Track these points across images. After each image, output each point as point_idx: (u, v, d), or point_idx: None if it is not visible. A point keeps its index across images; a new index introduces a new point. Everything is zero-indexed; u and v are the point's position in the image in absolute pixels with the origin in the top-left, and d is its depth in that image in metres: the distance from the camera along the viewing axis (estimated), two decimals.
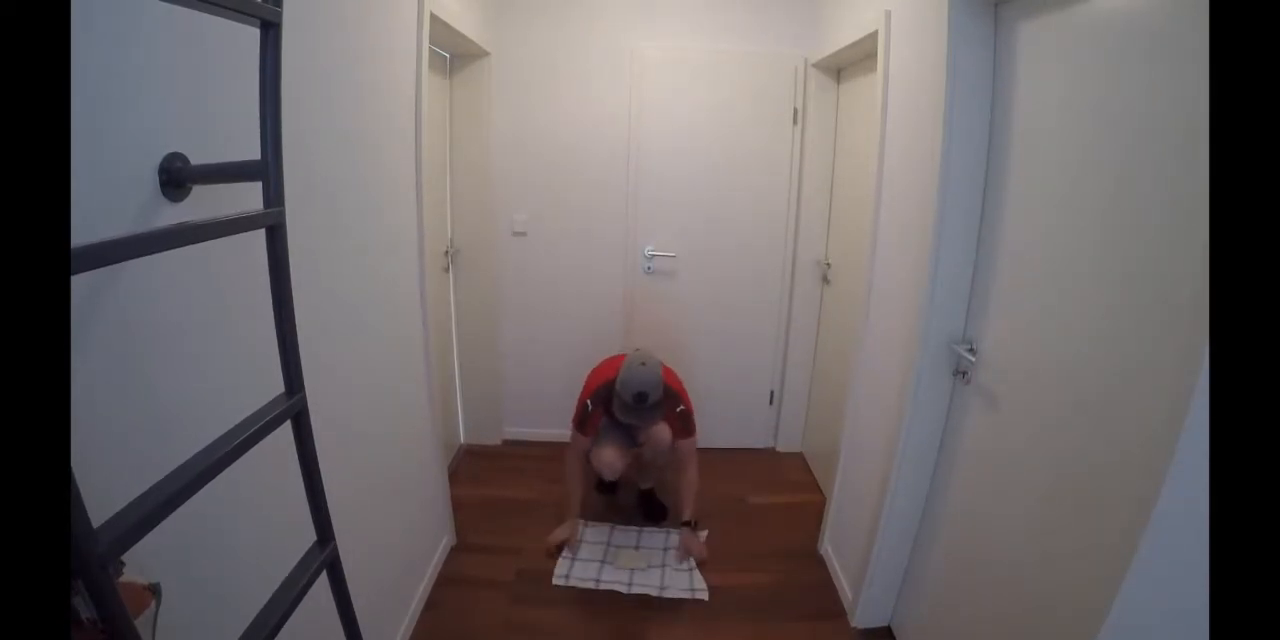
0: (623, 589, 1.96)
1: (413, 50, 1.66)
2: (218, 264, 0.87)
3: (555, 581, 1.99)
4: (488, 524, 2.29)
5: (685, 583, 2.00)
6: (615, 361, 2.13)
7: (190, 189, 0.79)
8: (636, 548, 2.17)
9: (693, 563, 2.08)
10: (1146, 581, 0.89)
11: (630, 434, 2.21)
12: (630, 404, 1.94)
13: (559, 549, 2.11)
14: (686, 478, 2.13)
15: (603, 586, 1.97)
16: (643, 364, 1.98)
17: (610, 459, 2.11)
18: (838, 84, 2.54)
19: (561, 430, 2.87)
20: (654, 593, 1.95)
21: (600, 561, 2.08)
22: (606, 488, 2.53)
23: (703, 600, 1.94)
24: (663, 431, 2.10)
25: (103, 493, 0.52)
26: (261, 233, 0.71)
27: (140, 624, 0.58)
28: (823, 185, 2.63)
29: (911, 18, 1.62)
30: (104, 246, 0.48)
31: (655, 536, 2.23)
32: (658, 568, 2.07)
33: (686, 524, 2.11)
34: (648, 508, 2.40)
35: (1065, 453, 1.13)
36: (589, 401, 2.07)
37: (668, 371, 2.10)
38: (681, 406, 2.09)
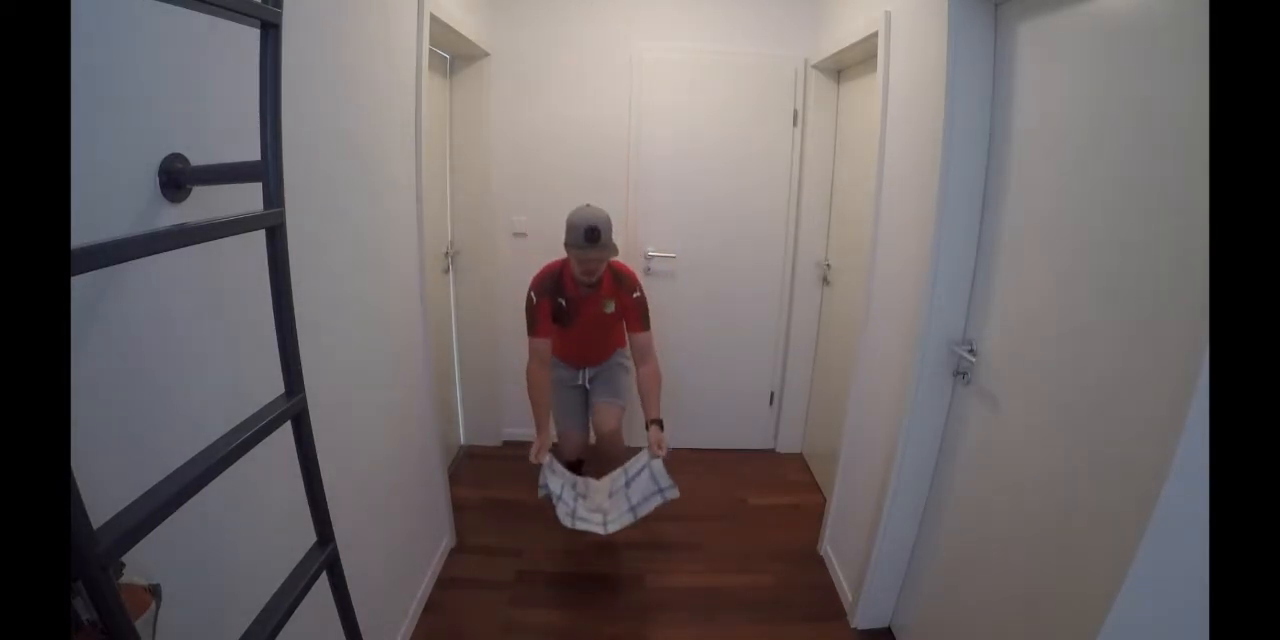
0: (600, 529, 1.87)
1: (413, 51, 1.66)
2: (218, 265, 0.87)
3: (540, 494, 1.92)
4: (488, 525, 2.29)
5: (650, 486, 1.90)
6: (554, 264, 2.11)
7: (190, 190, 0.79)
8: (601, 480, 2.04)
9: (649, 459, 1.93)
10: (1146, 583, 0.89)
11: (585, 402, 2.23)
12: (583, 242, 1.86)
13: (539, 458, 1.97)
14: (649, 369, 2.04)
15: (579, 527, 1.87)
16: (588, 205, 1.96)
17: (575, 442, 2.19)
18: (838, 85, 2.54)
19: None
20: (629, 521, 1.88)
21: (574, 492, 1.96)
22: (571, 467, 2.54)
23: (674, 498, 1.89)
24: (610, 409, 2.16)
25: (103, 494, 0.52)
26: (261, 233, 0.71)
27: (140, 625, 0.57)
28: (823, 186, 2.63)
29: (911, 18, 1.62)
30: (104, 247, 0.48)
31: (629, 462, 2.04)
32: (620, 489, 1.95)
33: (655, 422, 1.98)
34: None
35: (1065, 454, 1.13)
36: (533, 294, 2.02)
37: (621, 264, 2.10)
38: (638, 293, 2.03)
